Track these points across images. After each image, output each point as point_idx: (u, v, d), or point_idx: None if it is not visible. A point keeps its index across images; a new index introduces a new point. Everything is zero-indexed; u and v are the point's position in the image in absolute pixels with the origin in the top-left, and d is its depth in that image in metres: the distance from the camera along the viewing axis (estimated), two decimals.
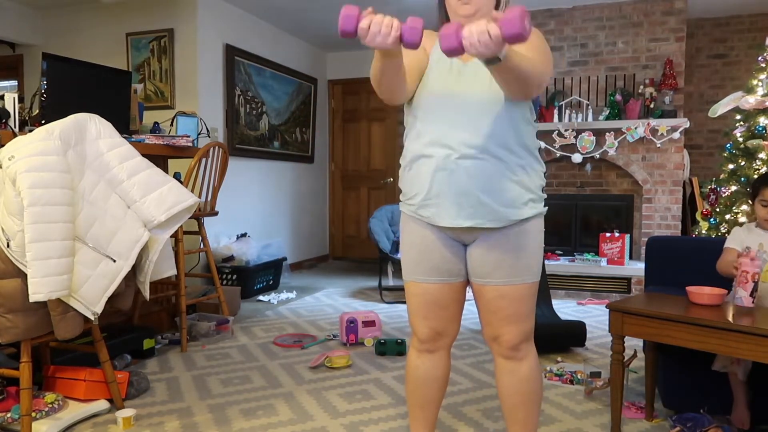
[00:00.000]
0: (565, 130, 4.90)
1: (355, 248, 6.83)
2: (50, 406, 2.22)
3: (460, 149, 1.47)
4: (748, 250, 2.11)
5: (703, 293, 1.99)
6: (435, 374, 1.70)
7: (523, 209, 1.52)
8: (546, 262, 4.71)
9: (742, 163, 3.34)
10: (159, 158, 3.29)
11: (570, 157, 4.94)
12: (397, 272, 5.12)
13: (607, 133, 4.83)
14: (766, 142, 3.19)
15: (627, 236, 4.69)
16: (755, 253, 1.98)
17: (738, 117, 3.48)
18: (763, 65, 3.36)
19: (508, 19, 1.12)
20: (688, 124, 4.67)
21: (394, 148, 6.47)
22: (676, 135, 4.66)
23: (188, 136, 3.28)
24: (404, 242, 1.66)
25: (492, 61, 1.24)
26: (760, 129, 3.23)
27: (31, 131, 2.33)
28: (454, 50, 1.18)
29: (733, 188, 3.38)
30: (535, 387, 1.63)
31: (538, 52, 1.43)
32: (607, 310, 2.07)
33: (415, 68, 1.52)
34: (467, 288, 1.67)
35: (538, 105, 5.08)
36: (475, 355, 3.15)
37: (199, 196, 3.49)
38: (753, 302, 1.96)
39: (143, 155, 2.37)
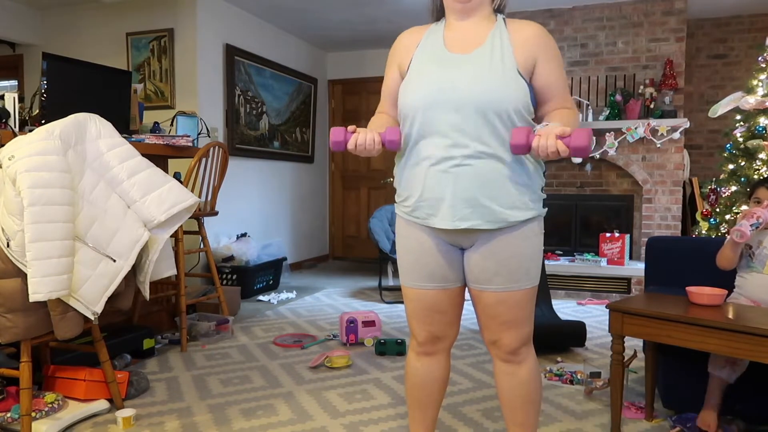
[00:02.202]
0: None
1: (355, 248, 6.83)
2: (50, 406, 2.22)
3: (457, 149, 1.43)
4: (750, 248, 2.13)
5: (703, 293, 1.99)
6: (434, 376, 1.69)
7: (522, 210, 1.47)
8: (546, 262, 4.71)
9: (742, 163, 3.34)
10: (159, 158, 3.28)
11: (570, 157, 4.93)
12: (397, 272, 5.12)
13: (607, 134, 4.83)
14: (766, 143, 3.19)
15: (627, 236, 4.69)
16: (767, 204, 2.08)
17: (738, 117, 3.48)
18: (763, 65, 3.36)
19: (578, 142, 1.28)
20: (688, 124, 4.67)
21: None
22: (676, 135, 4.66)
23: (188, 136, 3.28)
24: (400, 246, 1.62)
25: None
26: (760, 129, 3.23)
27: (31, 131, 2.33)
28: (520, 149, 1.35)
29: (733, 188, 3.38)
30: (535, 389, 1.62)
31: (571, 105, 1.54)
32: (607, 310, 2.07)
33: (396, 94, 1.59)
34: (465, 290, 1.64)
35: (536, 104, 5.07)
36: (475, 356, 3.15)
37: (199, 196, 3.50)
38: (750, 234, 1.99)
39: (143, 155, 2.37)
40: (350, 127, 1.44)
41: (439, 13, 1.62)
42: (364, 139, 1.42)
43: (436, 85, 1.46)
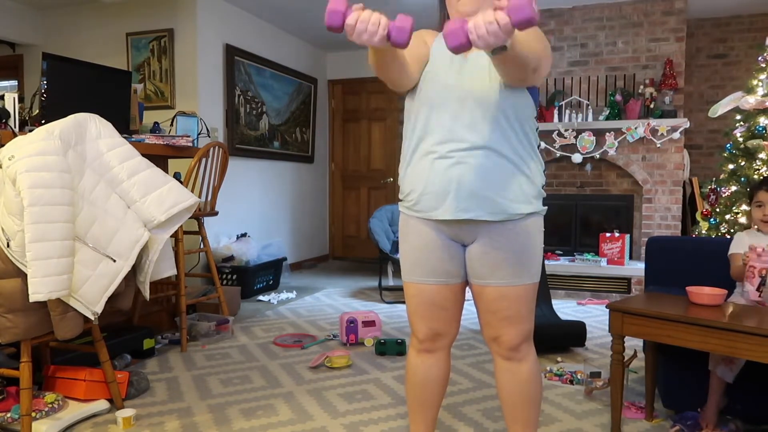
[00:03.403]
0: (565, 130, 4.90)
1: (355, 248, 6.83)
2: (50, 406, 2.22)
3: (462, 145, 1.46)
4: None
5: (703, 293, 1.99)
6: (434, 374, 1.70)
7: (524, 204, 1.50)
8: (546, 262, 4.71)
9: (742, 163, 3.34)
10: (159, 158, 3.28)
11: (570, 157, 4.94)
12: (397, 272, 5.12)
13: (607, 133, 4.83)
14: (766, 142, 3.19)
15: (627, 236, 4.69)
16: (762, 249, 1.99)
17: (738, 117, 3.48)
18: (763, 65, 3.36)
19: (516, 5, 1.09)
20: (688, 124, 4.67)
21: (394, 148, 6.47)
22: (676, 135, 4.66)
23: (188, 136, 3.28)
24: (403, 243, 1.64)
25: (497, 50, 1.21)
26: (760, 129, 3.23)
27: (31, 131, 2.33)
28: (461, 46, 1.15)
29: (733, 188, 3.38)
30: (535, 387, 1.63)
31: (535, 36, 1.41)
32: (607, 310, 2.07)
33: (416, 58, 1.52)
34: (466, 288, 1.66)
35: (537, 102, 5.08)
36: (475, 355, 3.15)
37: (199, 196, 3.49)
38: (760, 296, 1.97)
39: (143, 155, 2.37)
40: (356, 5, 1.23)
41: (447, 19, 1.64)
42: (368, 16, 1.20)
43: (444, 84, 1.51)
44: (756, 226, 2.22)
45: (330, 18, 1.18)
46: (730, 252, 2.24)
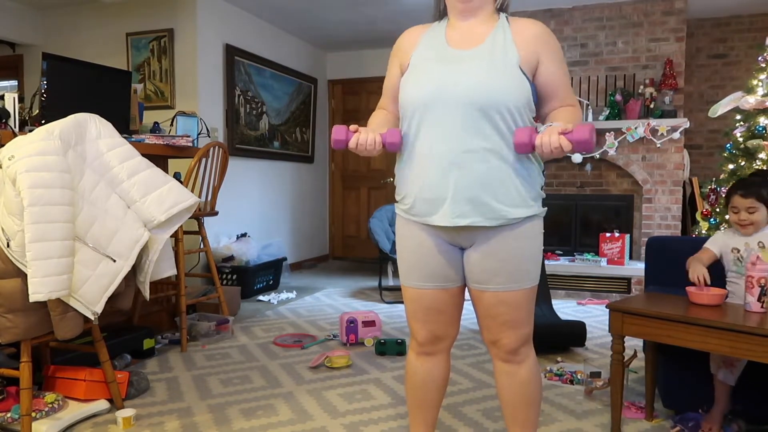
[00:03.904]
0: None
1: (355, 248, 6.83)
2: (50, 406, 2.22)
3: (458, 146, 1.42)
4: (737, 251, 2.11)
5: (703, 293, 1.99)
6: (434, 376, 1.69)
7: (522, 208, 1.46)
8: (546, 262, 4.71)
9: (742, 163, 3.34)
10: (159, 158, 3.28)
11: (570, 157, 4.94)
12: (397, 272, 5.11)
13: (607, 133, 4.83)
14: (766, 142, 3.19)
15: (627, 236, 4.69)
16: (756, 258, 1.96)
17: (738, 117, 3.48)
18: (763, 65, 3.36)
19: (580, 139, 1.32)
20: (688, 124, 4.67)
21: None
22: (676, 135, 4.66)
23: (188, 136, 3.28)
24: (400, 246, 1.61)
25: None
26: (760, 129, 3.23)
27: (31, 131, 2.33)
28: (528, 152, 1.41)
29: None
30: (535, 389, 1.62)
31: (574, 103, 1.56)
32: (607, 310, 2.07)
33: (397, 90, 1.59)
34: (466, 289, 1.64)
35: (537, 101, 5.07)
36: (475, 355, 3.15)
37: (199, 196, 3.49)
38: (762, 307, 1.88)
39: (143, 155, 2.37)
40: (352, 127, 1.46)
41: (441, 14, 1.62)
42: (365, 139, 1.45)
43: (438, 81, 1.45)
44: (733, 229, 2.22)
45: (336, 145, 1.47)
46: (705, 245, 2.24)
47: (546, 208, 1.57)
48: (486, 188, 1.43)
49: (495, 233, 1.48)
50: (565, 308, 4.30)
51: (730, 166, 3.43)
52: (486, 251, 1.50)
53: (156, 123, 3.64)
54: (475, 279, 1.54)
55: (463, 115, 1.42)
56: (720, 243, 2.22)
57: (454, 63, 1.47)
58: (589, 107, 4.97)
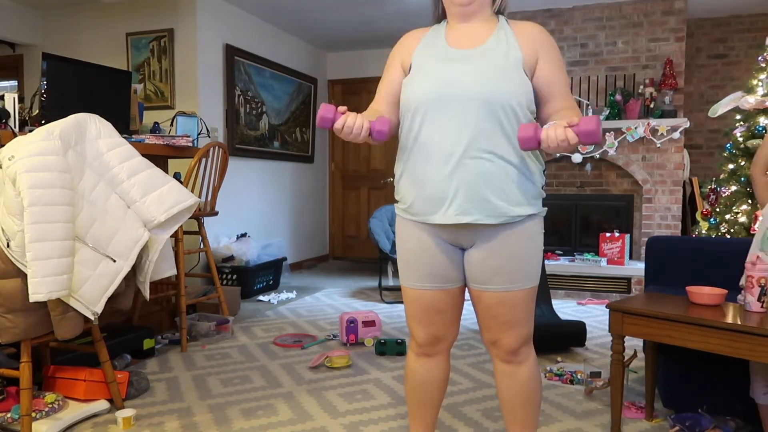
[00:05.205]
0: None
1: (355, 248, 6.83)
2: (50, 406, 2.22)
3: (461, 145, 1.42)
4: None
5: (703, 293, 1.99)
6: (434, 377, 1.68)
7: (523, 207, 1.46)
8: (546, 262, 4.71)
9: (742, 163, 3.34)
10: (159, 158, 3.28)
11: (570, 157, 4.94)
12: (397, 272, 5.11)
13: (607, 133, 4.83)
14: None
15: (627, 236, 4.69)
16: (756, 257, 1.95)
17: (738, 117, 3.48)
18: (763, 65, 3.36)
19: (587, 131, 1.25)
20: (688, 124, 4.67)
21: (393, 148, 6.46)
22: (676, 135, 4.67)
23: (188, 136, 3.28)
24: (400, 246, 1.61)
25: None
26: (760, 129, 3.23)
27: (31, 131, 2.33)
28: (533, 149, 1.33)
29: (733, 188, 3.38)
30: (535, 389, 1.62)
31: (570, 97, 1.54)
32: (607, 310, 2.07)
33: (397, 95, 1.58)
34: (465, 290, 1.64)
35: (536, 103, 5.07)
36: (475, 355, 3.15)
37: (199, 196, 3.50)
38: (762, 306, 1.87)
39: (143, 155, 2.37)
40: (341, 108, 1.40)
41: (440, 17, 1.62)
42: (353, 122, 1.38)
43: (441, 81, 1.46)
44: None
45: (321, 123, 1.37)
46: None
47: (546, 208, 1.57)
48: (489, 186, 1.43)
49: (496, 232, 1.48)
50: (565, 308, 4.30)
51: (730, 166, 3.44)
52: (487, 251, 1.50)
53: (156, 123, 3.64)
54: (476, 279, 1.54)
55: (467, 113, 1.42)
56: None
57: (458, 62, 1.47)
58: (589, 107, 4.97)
